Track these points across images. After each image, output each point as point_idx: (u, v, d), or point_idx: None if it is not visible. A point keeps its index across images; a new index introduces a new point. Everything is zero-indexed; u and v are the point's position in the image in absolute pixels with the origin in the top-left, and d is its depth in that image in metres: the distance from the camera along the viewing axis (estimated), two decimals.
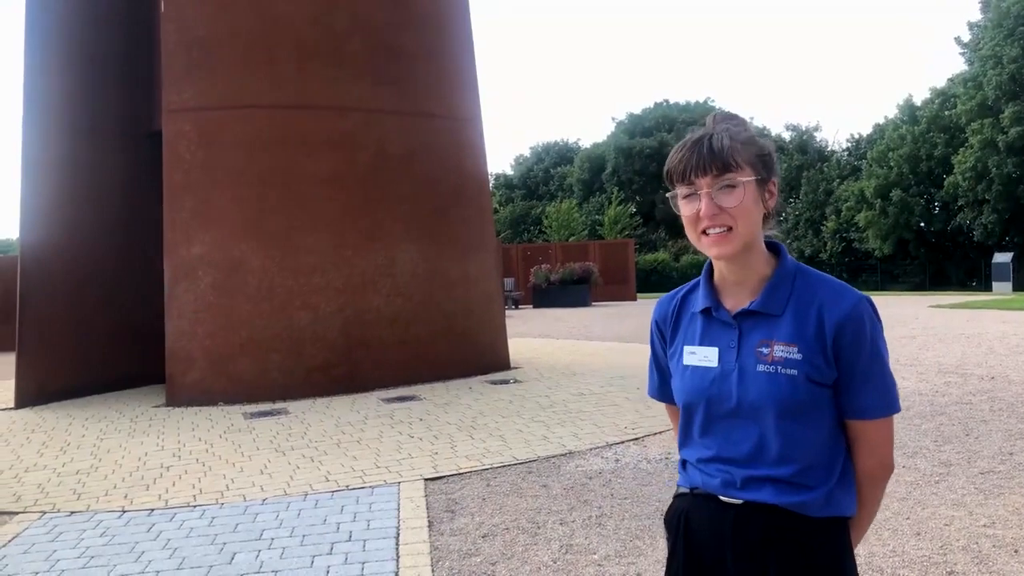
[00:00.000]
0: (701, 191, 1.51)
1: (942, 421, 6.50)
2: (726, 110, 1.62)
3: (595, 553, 3.96)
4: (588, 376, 9.69)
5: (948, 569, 3.56)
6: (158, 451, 6.60)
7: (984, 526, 4.08)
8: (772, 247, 1.62)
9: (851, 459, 1.60)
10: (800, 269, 1.60)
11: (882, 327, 1.57)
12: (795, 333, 1.53)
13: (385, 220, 9.51)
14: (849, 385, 1.53)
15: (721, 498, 1.58)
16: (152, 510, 4.98)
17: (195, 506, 5.03)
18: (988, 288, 31.65)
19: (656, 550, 3.95)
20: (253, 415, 7.95)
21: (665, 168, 1.58)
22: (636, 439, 6.34)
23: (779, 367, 1.52)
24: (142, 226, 9.79)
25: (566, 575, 3.71)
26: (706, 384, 1.59)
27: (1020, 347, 10.72)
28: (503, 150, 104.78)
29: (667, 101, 55.68)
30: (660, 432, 6.51)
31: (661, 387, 1.80)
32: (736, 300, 1.61)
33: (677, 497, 1.71)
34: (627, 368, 10.25)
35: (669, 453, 5.85)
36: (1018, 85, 35.98)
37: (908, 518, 4.23)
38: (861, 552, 3.79)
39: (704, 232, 1.53)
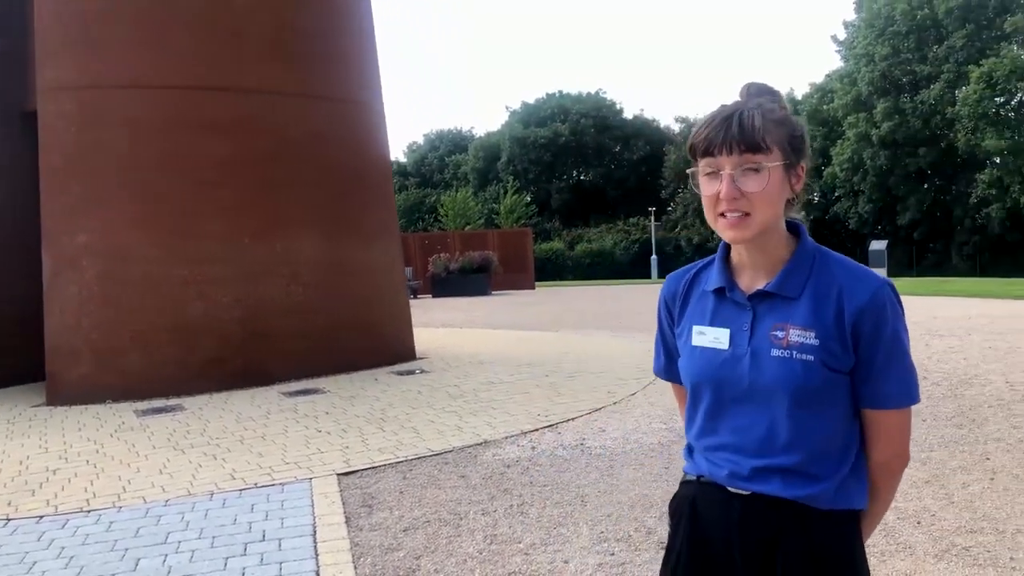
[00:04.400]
0: (723, 171, 1.43)
1: None
2: (760, 82, 1.52)
3: (520, 542, 3.92)
4: (496, 365, 9.65)
5: None
6: (41, 453, 6.14)
7: None
8: (792, 228, 1.55)
9: (865, 450, 1.54)
10: (820, 251, 1.53)
11: (904, 314, 1.52)
12: (812, 318, 1.46)
13: (285, 206, 9.15)
14: (869, 373, 1.47)
15: (728, 488, 1.53)
16: (41, 517, 4.62)
17: (89, 511, 4.69)
18: None
19: (580, 537, 3.95)
20: (146, 412, 7.52)
21: (689, 141, 1.50)
22: (550, 426, 6.34)
23: (794, 352, 1.45)
24: (24, 213, 9.06)
25: (493, 566, 3.65)
26: (715, 366, 1.52)
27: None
28: (396, 137, 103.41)
29: (560, 92, 56.21)
30: (573, 419, 6.54)
31: (668, 366, 1.73)
32: (752, 281, 1.54)
33: (683, 484, 1.65)
34: (534, 356, 10.27)
35: (583, 439, 5.87)
36: (888, 82, 38.24)
37: None
38: None
39: (722, 214, 1.46)
